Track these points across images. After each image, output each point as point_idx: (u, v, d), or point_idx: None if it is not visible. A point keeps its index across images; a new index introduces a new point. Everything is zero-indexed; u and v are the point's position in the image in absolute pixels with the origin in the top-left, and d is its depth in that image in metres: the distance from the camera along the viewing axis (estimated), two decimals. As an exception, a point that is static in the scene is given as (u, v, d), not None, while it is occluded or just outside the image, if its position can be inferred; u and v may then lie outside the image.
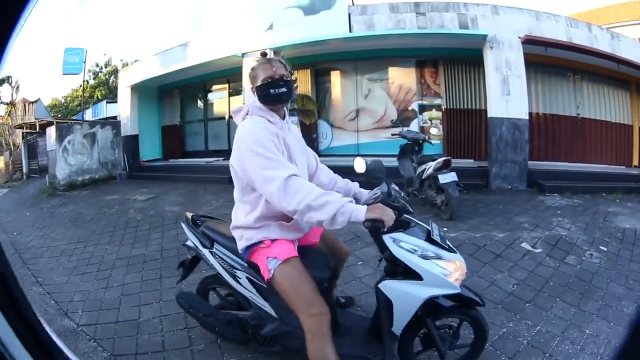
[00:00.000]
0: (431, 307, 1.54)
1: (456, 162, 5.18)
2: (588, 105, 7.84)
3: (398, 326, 1.55)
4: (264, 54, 1.62)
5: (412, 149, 4.99)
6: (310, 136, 6.23)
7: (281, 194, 1.33)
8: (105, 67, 16.79)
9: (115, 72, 12.68)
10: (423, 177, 4.68)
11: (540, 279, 2.96)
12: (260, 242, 1.55)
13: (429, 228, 1.61)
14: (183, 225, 2.00)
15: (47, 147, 8.74)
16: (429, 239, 1.56)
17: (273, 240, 1.55)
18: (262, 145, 1.39)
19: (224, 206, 5.51)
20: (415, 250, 1.50)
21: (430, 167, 4.51)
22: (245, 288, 1.73)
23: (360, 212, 1.33)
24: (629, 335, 0.53)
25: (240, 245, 1.62)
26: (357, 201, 1.74)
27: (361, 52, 6.58)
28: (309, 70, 7.15)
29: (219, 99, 8.74)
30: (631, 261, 3.35)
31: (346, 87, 7.38)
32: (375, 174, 1.69)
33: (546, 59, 7.23)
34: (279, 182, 1.33)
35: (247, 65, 6.92)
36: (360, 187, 1.87)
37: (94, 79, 16.42)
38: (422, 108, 7.17)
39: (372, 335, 1.70)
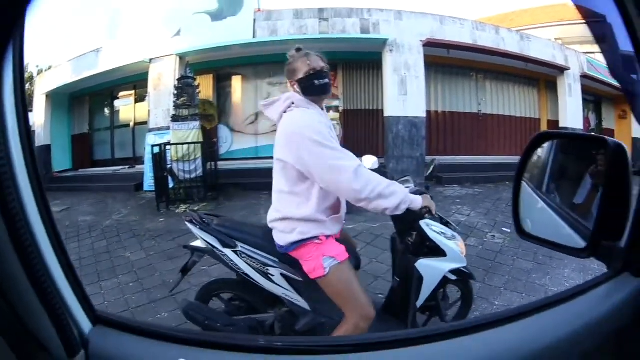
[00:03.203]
0: (441, 280, 1.79)
1: (354, 160, 5.46)
2: (491, 102, 8.43)
3: (422, 299, 1.75)
4: (299, 49, 1.58)
5: (308, 149, 5.16)
6: (210, 141, 6.30)
7: (353, 183, 1.37)
8: (24, 74, 15.88)
9: (31, 79, 11.96)
10: (319, 176, 4.87)
11: (440, 261, 3.16)
12: (316, 237, 1.52)
13: (439, 215, 1.85)
14: (191, 226, 1.79)
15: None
16: (443, 222, 1.83)
17: (327, 237, 1.54)
18: (325, 137, 1.40)
19: (132, 213, 5.54)
20: (443, 233, 1.76)
21: (325, 165, 4.71)
22: (278, 285, 1.67)
23: (418, 201, 1.52)
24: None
25: (289, 238, 1.54)
26: None
27: (264, 57, 6.70)
28: (211, 75, 7.21)
29: (125, 106, 8.64)
30: (539, 239, 3.63)
31: (246, 92, 7.50)
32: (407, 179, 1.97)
33: (449, 60, 7.73)
34: (350, 172, 1.37)
35: (154, 71, 6.89)
36: None
37: (12, 87, 15.43)
38: (321, 110, 7.35)
39: (387, 313, 1.86)
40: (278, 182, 1.57)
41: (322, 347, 0.65)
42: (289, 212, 1.54)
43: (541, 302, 0.64)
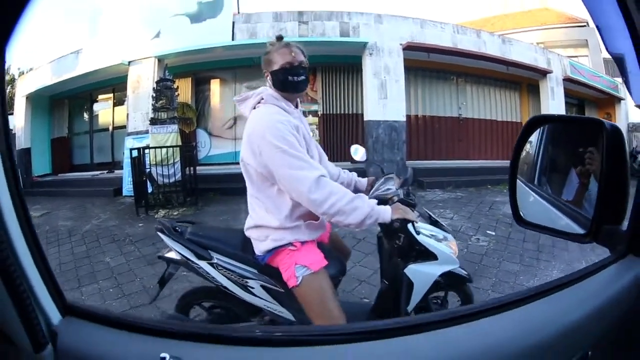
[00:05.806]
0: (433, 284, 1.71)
1: (332, 165, 5.48)
2: (472, 106, 8.48)
3: (412, 304, 1.67)
4: (280, 38, 1.48)
5: (286, 153, 5.15)
6: (189, 144, 6.28)
7: (311, 196, 1.27)
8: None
9: (12, 81, 11.71)
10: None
11: (424, 265, 3.14)
12: (290, 244, 1.43)
13: (429, 213, 1.81)
14: (162, 236, 1.67)
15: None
16: (432, 222, 1.75)
17: (303, 243, 1.44)
18: (286, 141, 1.30)
19: (111, 218, 5.50)
20: (434, 235, 1.68)
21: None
22: (259, 297, 1.58)
23: (387, 214, 1.38)
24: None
25: (263, 246, 1.46)
26: (358, 190, 1.77)
27: (242, 60, 6.69)
28: (189, 78, 7.18)
29: (104, 110, 8.56)
30: (525, 241, 3.54)
31: (225, 95, 7.46)
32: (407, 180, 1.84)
33: (429, 64, 7.76)
34: (309, 183, 1.26)
35: (133, 73, 6.84)
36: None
37: (-7, 89, 15.15)
38: (300, 114, 7.38)
39: (376, 317, 1.79)
40: (247, 186, 1.50)
41: (314, 336, 0.60)
42: (260, 219, 1.47)
43: (546, 286, 0.61)
